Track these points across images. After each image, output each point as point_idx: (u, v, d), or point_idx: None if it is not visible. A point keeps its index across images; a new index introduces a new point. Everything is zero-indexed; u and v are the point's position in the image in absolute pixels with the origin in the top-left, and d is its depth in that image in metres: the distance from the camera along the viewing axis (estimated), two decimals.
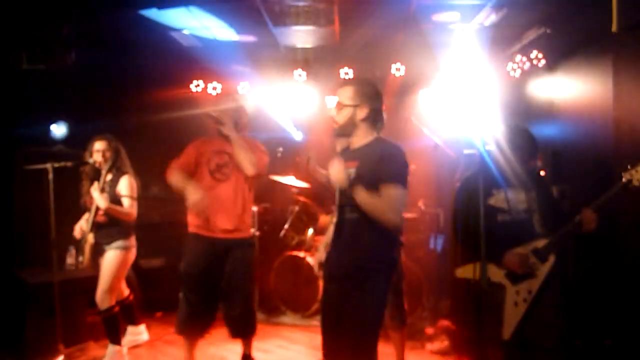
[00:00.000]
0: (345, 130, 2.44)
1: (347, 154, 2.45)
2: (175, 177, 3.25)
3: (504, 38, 4.92)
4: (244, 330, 3.49)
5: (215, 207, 3.27)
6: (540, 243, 2.73)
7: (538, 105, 4.84)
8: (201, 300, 3.32)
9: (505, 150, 2.80)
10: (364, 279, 2.33)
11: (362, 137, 2.43)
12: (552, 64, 4.75)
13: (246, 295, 3.42)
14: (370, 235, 2.33)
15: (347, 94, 2.43)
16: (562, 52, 4.54)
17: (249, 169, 3.25)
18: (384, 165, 2.28)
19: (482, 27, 4.66)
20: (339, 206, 2.46)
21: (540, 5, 4.18)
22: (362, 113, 2.40)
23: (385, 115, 2.52)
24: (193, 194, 3.09)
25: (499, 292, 2.75)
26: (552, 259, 2.71)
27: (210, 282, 3.33)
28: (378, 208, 2.23)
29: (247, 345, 3.56)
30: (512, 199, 2.77)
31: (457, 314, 4.19)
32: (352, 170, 2.35)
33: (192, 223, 3.39)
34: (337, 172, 2.31)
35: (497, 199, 2.78)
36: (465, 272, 2.84)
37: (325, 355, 2.50)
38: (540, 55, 4.80)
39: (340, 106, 2.42)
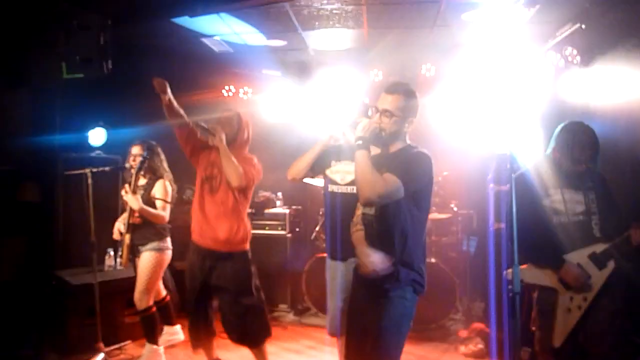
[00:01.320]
0: (391, 138, 2.39)
1: (382, 159, 2.43)
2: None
3: (536, 35, 4.82)
4: (242, 340, 3.42)
5: (205, 218, 3.35)
6: (599, 248, 2.63)
7: (573, 103, 4.72)
8: (195, 310, 3.42)
9: (563, 149, 2.72)
10: (393, 289, 2.33)
11: (399, 144, 2.42)
12: (587, 61, 4.63)
13: (243, 306, 3.33)
14: (399, 244, 2.31)
15: (399, 104, 2.35)
16: (597, 49, 4.42)
17: (233, 181, 3.21)
18: (403, 166, 2.28)
19: (515, 23, 4.58)
20: (363, 213, 2.46)
21: (574, 1, 4.09)
22: (410, 125, 2.40)
23: None
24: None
25: (550, 296, 2.68)
26: (611, 265, 2.61)
27: (202, 293, 3.38)
28: (368, 180, 2.19)
29: (258, 354, 3.48)
30: (569, 200, 2.68)
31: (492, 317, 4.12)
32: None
33: (192, 230, 3.50)
34: (365, 125, 2.32)
35: (553, 200, 2.70)
36: (523, 273, 2.75)
37: (347, 358, 2.52)
38: (574, 52, 4.68)
39: (388, 114, 2.36)
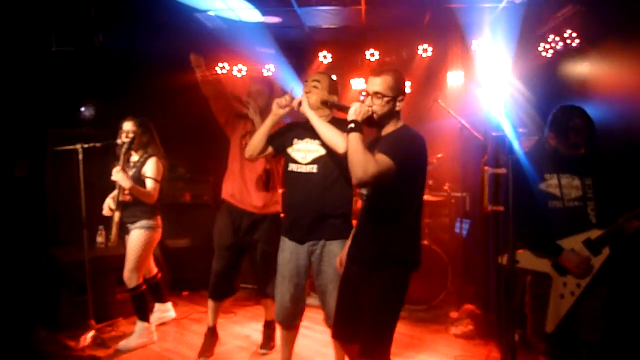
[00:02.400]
0: (383, 120, 2.40)
1: (376, 142, 2.45)
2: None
3: (536, 17, 4.76)
4: (267, 289, 3.58)
5: (246, 185, 3.54)
6: (594, 234, 2.61)
7: (570, 86, 4.69)
8: (225, 268, 3.59)
9: (558, 134, 2.68)
10: (384, 266, 2.35)
11: (392, 126, 2.43)
12: (587, 44, 4.59)
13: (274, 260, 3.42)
14: (394, 223, 2.36)
15: (388, 84, 2.37)
16: (597, 32, 4.38)
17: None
18: (395, 146, 2.29)
19: (513, 5, 4.52)
20: (360, 194, 2.50)
21: None
22: (400, 105, 2.41)
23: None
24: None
25: (544, 282, 2.67)
26: (606, 252, 2.59)
27: (234, 249, 3.60)
28: (360, 160, 2.19)
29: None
30: (566, 185, 2.66)
31: (483, 299, 4.15)
32: None
33: (227, 191, 3.64)
34: (357, 108, 2.32)
35: (549, 185, 2.67)
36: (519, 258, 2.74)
37: (335, 333, 2.55)
38: (574, 35, 4.63)
39: (380, 96, 2.36)
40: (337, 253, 2.84)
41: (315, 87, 2.88)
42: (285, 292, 2.94)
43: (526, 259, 2.73)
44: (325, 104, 2.85)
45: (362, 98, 2.56)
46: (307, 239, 2.89)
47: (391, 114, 2.39)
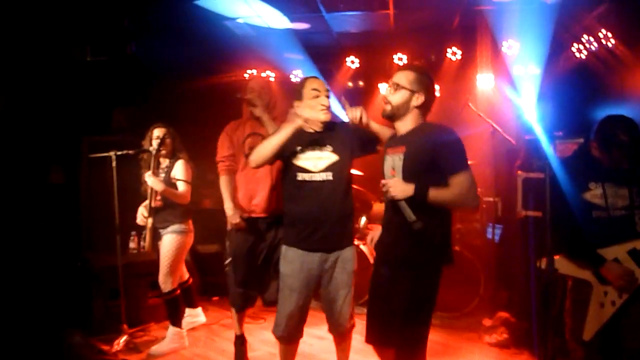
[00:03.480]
0: (397, 112, 2.39)
1: (394, 141, 2.45)
2: (223, 185, 3.47)
3: (568, 17, 4.67)
4: None
5: (255, 189, 3.41)
6: None
7: (606, 88, 4.58)
8: (244, 277, 3.49)
9: (601, 147, 2.61)
10: (415, 267, 2.32)
11: (410, 123, 2.41)
12: (622, 44, 4.48)
13: None
14: (429, 217, 2.29)
15: (407, 77, 2.39)
16: (633, 31, 4.27)
17: None
18: (443, 155, 2.25)
19: (544, 5, 4.45)
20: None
21: None
22: (418, 100, 2.38)
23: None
24: (228, 210, 3.37)
25: (584, 288, 2.60)
26: None
27: (254, 260, 3.46)
28: (454, 199, 2.24)
29: None
30: (611, 194, 2.58)
31: (518, 306, 4.06)
32: (400, 156, 2.34)
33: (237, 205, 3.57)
34: (401, 189, 2.28)
35: (594, 195, 2.60)
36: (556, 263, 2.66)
37: (369, 338, 2.51)
38: (609, 35, 4.53)
39: (397, 87, 2.39)
40: (350, 258, 2.78)
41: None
42: (293, 306, 2.75)
43: (565, 265, 2.66)
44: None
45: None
46: (325, 248, 2.75)
47: (405, 108, 2.39)
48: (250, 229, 3.44)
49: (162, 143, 3.77)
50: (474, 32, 5.03)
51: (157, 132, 3.88)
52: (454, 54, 5.31)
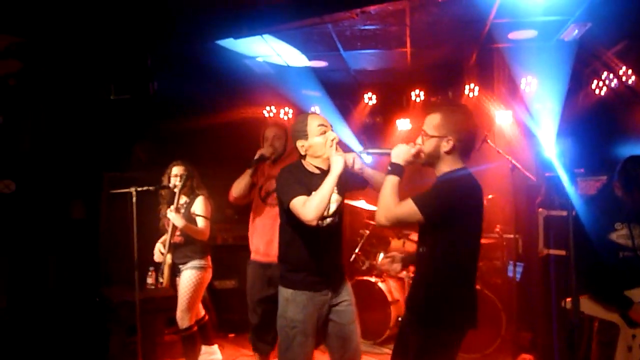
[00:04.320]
0: (431, 160, 2.30)
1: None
2: None
3: (587, 54, 4.70)
4: None
5: (268, 233, 3.44)
6: None
7: (627, 125, 4.55)
8: (262, 322, 3.55)
9: (624, 189, 2.62)
10: (423, 323, 2.24)
11: (445, 167, 2.28)
12: None
13: None
14: (438, 272, 2.24)
15: (433, 123, 2.27)
16: None
17: None
18: (427, 190, 2.23)
19: (563, 42, 4.49)
20: (418, 236, 2.42)
21: (629, 18, 3.97)
22: (447, 146, 2.22)
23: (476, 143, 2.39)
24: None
25: (611, 331, 2.57)
26: None
27: (268, 304, 3.35)
28: (383, 204, 2.20)
29: None
30: (637, 235, 2.58)
31: (541, 348, 3.96)
32: None
33: (252, 250, 3.64)
34: (400, 150, 2.28)
35: (620, 235, 2.60)
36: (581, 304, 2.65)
37: None
38: (629, 72, 4.53)
39: (423, 134, 2.30)
40: (350, 290, 2.76)
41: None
42: (308, 351, 2.64)
43: (590, 306, 2.63)
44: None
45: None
46: (333, 287, 2.70)
47: (436, 155, 2.26)
48: (264, 271, 3.50)
49: (185, 180, 3.85)
50: (492, 68, 5.07)
51: (176, 170, 3.97)
52: (472, 90, 5.33)
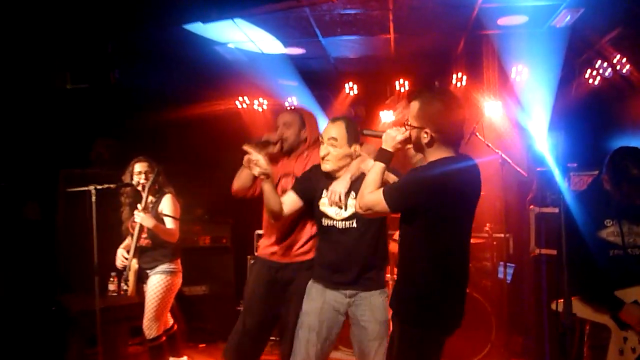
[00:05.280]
0: (417, 149, 2.34)
1: None
2: None
3: (580, 41, 4.75)
4: None
5: (292, 233, 3.22)
6: None
7: (622, 117, 4.63)
8: (256, 325, 3.24)
9: (612, 182, 2.64)
10: (399, 321, 2.28)
11: (431, 157, 2.27)
12: (638, 70, 4.55)
13: None
14: (415, 269, 2.27)
15: (412, 112, 2.29)
16: None
17: None
18: (399, 180, 2.33)
19: (554, 29, 4.54)
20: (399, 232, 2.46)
21: (623, 3, 4.03)
22: (425, 137, 2.22)
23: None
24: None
25: (602, 333, 2.60)
26: None
27: (267, 307, 3.24)
28: (363, 189, 2.30)
29: None
30: (628, 232, 2.62)
31: (534, 353, 4.01)
32: None
33: (265, 248, 3.31)
34: (389, 135, 2.34)
35: (609, 232, 2.64)
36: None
37: None
38: (624, 60, 4.60)
39: (407, 125, 2.31)
40: (379, 306, 2.75)
41: (332, 145, 2.76)
42: (311, 347, 2.74)
43: (581, 308, 2.65)
44: (361, 132, 2.76)
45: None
46: (348, 287, 2.77)
47: (419, 146, 2.28)
48: (271, 271, 3.23)
49: (156, 177, 3.80)
50: (480, 57, 5.10)
51: (139, 167, 3.91)
52: (460, 79, 5.36)
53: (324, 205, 2.82)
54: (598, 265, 2.59)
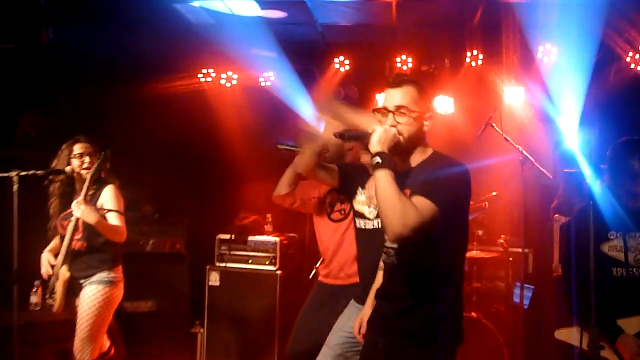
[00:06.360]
0: (411, 144, 2.40)
1: (400, 178, 2.39)
2: None
3: (621, 17, 4.81)
4: None
5: (345, 252, 3.75)
6: None
7: None
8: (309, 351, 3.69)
9: (614, 180, 2.74)
10: (423, 344, 2.39)
11: (420, 154, 2.44)
12: None
13: None
14: (431, 290, 2.38)
15: (412, 97, 2.39)
16: None
17: None
18: (432, 180, 2.29)
19: (590, 2, 4.59)
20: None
21: None
22: (430, 123, 2.44)
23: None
24: None
25: None
26: None
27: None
28: (396, 208, 2.17)
29: None
30: (634, 247, 2.68)
31: None
32: None
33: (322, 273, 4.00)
34: (381, 134, 2.31)
35: (612, 246, 2.71)
36: (567, 335, 2.78)
37: None
38: None
39: (405, 112, 2.36)
40: None
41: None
42: None
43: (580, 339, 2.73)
44: (341, 136, 2.67)
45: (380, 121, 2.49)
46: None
47: (419, 137, 2.42)
48: (328, 296, 3.80)
49: (102, 162, 3.78)
50: (500, 31, 5.13)
51: (79, 149, 3.87)
52: (475, 58, 5.40)
53: (357, 202, 3.15)
54: (598, 287, 2.60)
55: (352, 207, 3.20)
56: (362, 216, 3.11)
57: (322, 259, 3.96)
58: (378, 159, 2.26)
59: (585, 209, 2.72)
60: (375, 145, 2.29)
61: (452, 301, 2.40)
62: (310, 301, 3.93)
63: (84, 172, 3.80)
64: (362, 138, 2.45)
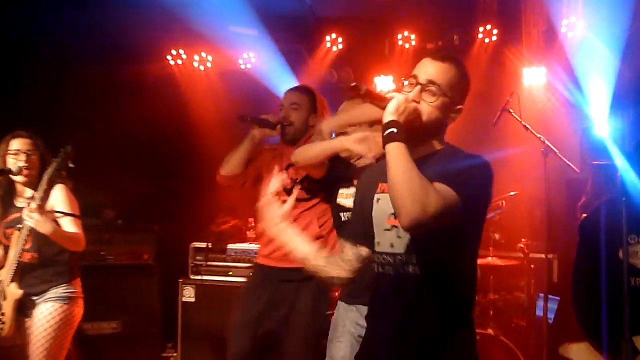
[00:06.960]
0: (426, 131, 2.27)
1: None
2: None
3: None
4: None
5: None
6: None
7: None
8: (247, 351, 3.76)
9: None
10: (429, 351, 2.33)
11: (428, 147, 2.33)
12: None
13: None
14: (443, 290, 2.32)
15: (449, 78, 2.25)
16: None
17: None
18: (451, 170, 2.20)
19: None
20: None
21: None
22: (456, 113, 2.29)
23: None
24: None
25: None
26: None
27: (259, 329, 3.75)
28: (414, 188, 2.08)
29: None
30: None
31: None
32: None
33: (261, 252, 3.93)
34: (400, 101, 2.21)
35: (633, 252, 2.74)
36: (573, 352, 2.85)
37: None
38: None
39: (437, 90, 2.25)
40: None
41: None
42: None
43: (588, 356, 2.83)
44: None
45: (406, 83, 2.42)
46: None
47: (438, 127, 2.30)
48: (268, 281, 3.73)
49: (63, 160, 3.74)
50: (519, 3, 5.13)
51: (17, 144, 3.83)
52: (488, 34, 5.40)
53: (342, 197, 3.21)
54: (611, 299, 2.68)
55: (327, 195, 3.31)
56: (346, 209, 3.14)
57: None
58: (393, 128, 2.14)
59: (610, 203, 2.78)
60: (391, 113, 2.18)
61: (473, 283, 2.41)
62: (246, 289, 3.84)
63: (22, 172, 3.76)
64: (375, 99, 2.32)
